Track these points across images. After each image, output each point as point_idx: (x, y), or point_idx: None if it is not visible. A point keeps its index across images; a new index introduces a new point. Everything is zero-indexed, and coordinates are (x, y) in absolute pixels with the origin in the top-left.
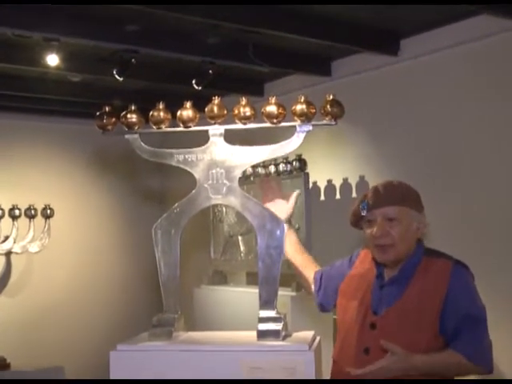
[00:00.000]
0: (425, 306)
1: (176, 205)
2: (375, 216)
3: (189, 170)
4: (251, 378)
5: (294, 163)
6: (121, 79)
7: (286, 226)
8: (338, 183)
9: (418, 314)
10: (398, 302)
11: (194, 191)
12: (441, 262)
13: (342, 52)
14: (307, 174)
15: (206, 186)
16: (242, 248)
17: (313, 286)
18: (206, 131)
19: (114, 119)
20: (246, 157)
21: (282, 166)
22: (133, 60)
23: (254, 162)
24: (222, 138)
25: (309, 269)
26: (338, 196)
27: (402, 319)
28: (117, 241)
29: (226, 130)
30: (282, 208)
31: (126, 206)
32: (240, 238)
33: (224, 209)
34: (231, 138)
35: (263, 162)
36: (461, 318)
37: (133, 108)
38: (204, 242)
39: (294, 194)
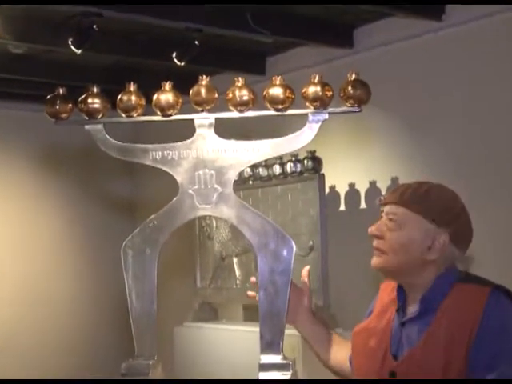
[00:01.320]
0: (452, 347)
1: (152, 217)
2: (383, 213)
3: (168, 171)
4: None
5: (306, 162)
6: (79, 52)
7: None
8: (362, 188)
9: (444, 357)
10: (420, 343)
11: (175, 199)
12: (475, 288)
13: (368, 16)
14: (323, 175)
15: (190, 191)
16: (237, 273)
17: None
18: (191, 121)
19: (70, 104)
20: (244, 154)
21: (289, 166)
22: (95, 26)
23: (254, 162)
24: (211, 130)
25: (341, 354)
26: (362, 205)
27: (425, 365)
28: (74, 263)
29: (217, 120)
30: (299, 298)
31: (87, 217)
32: (235, 259)
33: (214, 222)
34: (224, 129)
35: (265, 161)
36: (495, 356)
37: (95, 90)
38: (188, 266)
39: (304, 272)
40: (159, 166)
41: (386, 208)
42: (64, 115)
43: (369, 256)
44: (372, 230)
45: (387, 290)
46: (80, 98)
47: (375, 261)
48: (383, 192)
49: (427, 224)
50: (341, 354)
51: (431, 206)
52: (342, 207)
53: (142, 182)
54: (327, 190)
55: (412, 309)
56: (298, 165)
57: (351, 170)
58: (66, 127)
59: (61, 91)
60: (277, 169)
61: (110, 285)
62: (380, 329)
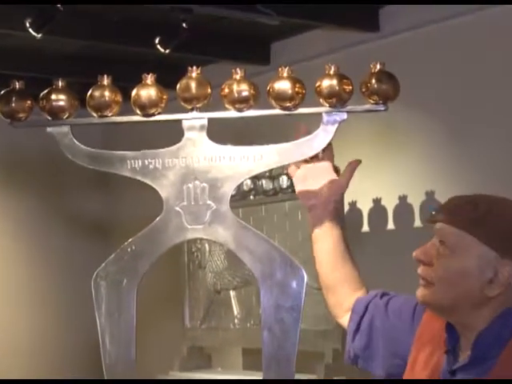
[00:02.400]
0: None
1: (130, 240)
2: (434, 230)
3: (150, 183)
4: None
5: None
6: (38, 36)
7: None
8: (390, 204)
9: None
10: None
11: (158, 218)
12: None
13: None
14: None
15: (177, 209)
16: (235, 310)
17: (345, 318)
18: (179, 122)
19: (28, 102)
20: (243, 163)
21: None
22: (59, 5)
23: (256, 172)
24: (203, 133)
25: (346, 284)
26: (390, 225)
27: None
28: (32, 297)
29: (211, 121)
30: (331, 182)
31: (49, 240)
32: (232, 293)
33: (207, 246)
34: (219, 132)
35: (270, 172)
36: None
37: (60, 84)
38: (175, 301)
39: (353, 163)
40: (139, 178)
41: (437, 226)
42: (21, 115)
43: (400, 288)
44: (418, 254)
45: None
46: (41, 94)
47: (421, 293)
48: (416, 210)
49: (489, 252)
50: (345, 292)
51: (495, 229)
52: (365, 228)
53: (117, 198)
54: (346, 207)
55: (464, 354)
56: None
57: (376, 182)
58: (24, 130)
59: (17, 85)
60: (284, 181)
61: (78, 324)
62: (425, 376)
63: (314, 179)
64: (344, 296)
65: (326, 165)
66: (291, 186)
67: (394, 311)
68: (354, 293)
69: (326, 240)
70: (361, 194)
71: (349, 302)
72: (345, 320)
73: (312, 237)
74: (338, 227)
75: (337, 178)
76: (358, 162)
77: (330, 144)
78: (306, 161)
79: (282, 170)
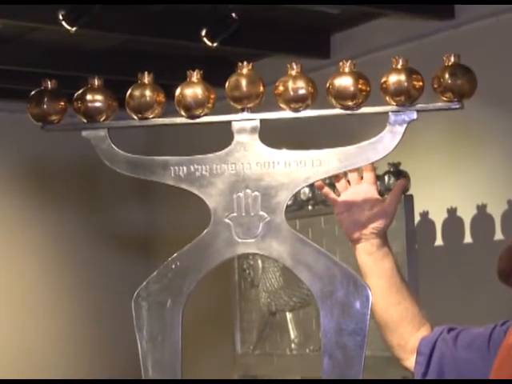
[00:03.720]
0: None
1: (174, 256)
2: None
3: (196, 192)
4: None
5: (388, 179)
6: (73, 30)
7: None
8: (467, 214)
9: None
10: None
11: (205, 231)
12: None
13: None
14: (411, 197)
15: (227, 221)
16: (292, 334)
17: (410, 360)
18: (228, 124)
19: (62, 103)
20: (300, 169)
21: None
22: None
23: (315, 179)
24: (255, 136)
25: (406, 323)
26: (467, 238)
27: None
28: (68, 317)
29: (264, 122)
30: (375, 209)
31: (85, 255)
32: (289, 315)
33: (260, 263)
34: (273, 135)
35: (330, 179)
36: None
37: (96, 83)
38: (225, 324)
39: (398, 185)
40: (184, 186)
41: None
42: (54, 117)
43: (479, 309)
44: None
45: None
46: (76, 94)
47: None
48: (497, 221)
49: None
50: (406, 331)
51: None
52: (439, 241)
53: (160, 209)
54: (417, 218)
55: None
56: (377, 183)
57: (451, 190)
58: (57, 134)
59: (49, 85)
60: None
61: (118, 348)
62: None
63: (357, 207)
64: (406, 336)
65: (368, 188)
66: None
67: (466, 344)
68: (416, 332)
69: (377, 275)
70: (433, 204)
71: (412, 343)
72: (410, 363)
73: (361, 272)
74: (389, 259)
75: (381, 202)
76: (405, 182)
77: (371, 164)
78: (342, 181)
79: (345, 176)
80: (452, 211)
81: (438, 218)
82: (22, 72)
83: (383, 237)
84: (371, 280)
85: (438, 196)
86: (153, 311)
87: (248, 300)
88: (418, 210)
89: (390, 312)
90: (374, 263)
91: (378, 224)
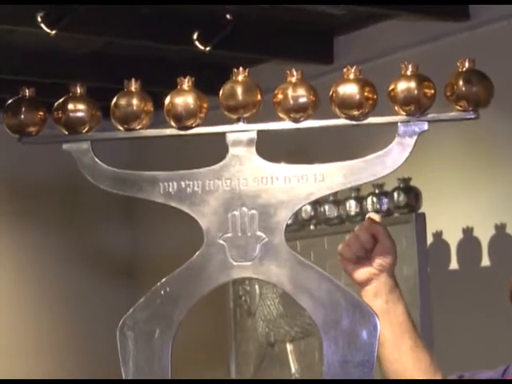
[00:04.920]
0: None
1: (163, 281)
2: None
3: (187, 211)
4: None
5: (397, 196)
6: (53, 33)
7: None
8: (485, 235)
9: None
10: None
11: (197, 253)
12: None
13: None
14: (423, 216)
15: (221, 242)
16: (293, 367)
17: None
18: (222, 136)
19: (40, 113)
20: (301, 185)
21: (371, 202)
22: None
23: (317, 196)
24: (252, 149)
25: (417, 373)
26: (485, 261)
27: None
28: (47, 346)
29: (262, 134)
30: (376, 248)
31: (64, 280)
32: (290, 346)
33: (257, 288)
34: (271, 148)
35: (335, 195)
36: None
37: (78, 90)
38: (218, 356)
39: (367, 220)
40: (174, 204)
41: None
42: (32, 129)
43: (497, 337)
44: None
45: None
46: (56, 104)
47: None
48: None
49: None
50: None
51: None
52: (454, 265)
53: (147, 229)
54: (430, 239)
55: None
56: (385, 200)
57: (467, 208)
58: (35, 147)
59: (27, 93)
60: (352, 206)
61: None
62: None
63: (361, 252)
64: None
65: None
66: (361, 212)
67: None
68: None
69: (389, 321)
70: (447, 223)
71: None
72: None
73: None
74: (402, 302)
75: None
76: (374, 216)
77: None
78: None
79: (350, 192)
80: (468, 231)
81: (453, 238)
82: None
83: (393, 276)
84: (383, 327)
85: (452, 214)
86: (140, 342)
87: (244, 330)
88: (430, 229)
89: (402, 361)
90: (386, 307)
91: (383, 260)
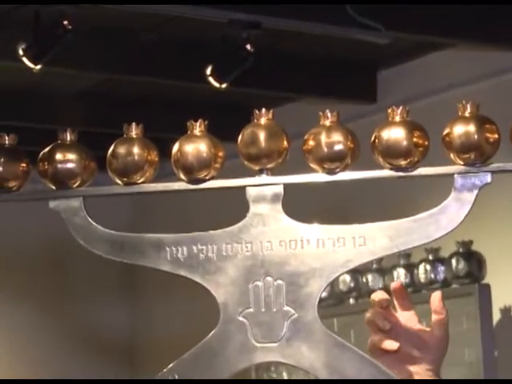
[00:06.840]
0: None
1: (171, 366)
2: None
3: (200, 281)
4: None
5: (455, 263)
6: (37, 68)
7: None
8: None
9: None
10: None
11: (212, 333)
12: None
13: None
14: (487, 287)
15: (241, 319)
16: None
17: None
18: (242, 190)
19: (23, 165)
20: (338, 250)
21: (424, 271)
22: (65, 22)
23: (358, 263)
24: (278, 206)
25: None
26: None
27: None
28: None
29: (289, 188)
30: (422, 338)
31: (51, 363)
32: None
33: (285, 375)
34: (301, 205)
35: (379, 263)
36: None
37: (68, 137)
38: None
39: (435, 301)
40: (183, 273)
41: None
42: (13, 184)
43: None
44: None
45: None
46: (42, 153)
47: None
48: None
49: None
50: None
51: None
52: None
53: (150, 304)
54: (496, 315)
55: None
56: (441, 268)
57: None
58: (17, 205)
59: (6, 140)
60: (401, 276)
61: None
62: None
63: (403, 340)
64: None
65: (408, 315)
66: (412, 283)
67: None
68: None
69: None
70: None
71: None
72: None
73: None
74: None
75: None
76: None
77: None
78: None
79: (398, 259)
80: None
81: None
82: None
83: (438, 370)
84: None
85: None
86: None
87: None
88: (496, 304)
89: None
90: None
91: (430, 355)
